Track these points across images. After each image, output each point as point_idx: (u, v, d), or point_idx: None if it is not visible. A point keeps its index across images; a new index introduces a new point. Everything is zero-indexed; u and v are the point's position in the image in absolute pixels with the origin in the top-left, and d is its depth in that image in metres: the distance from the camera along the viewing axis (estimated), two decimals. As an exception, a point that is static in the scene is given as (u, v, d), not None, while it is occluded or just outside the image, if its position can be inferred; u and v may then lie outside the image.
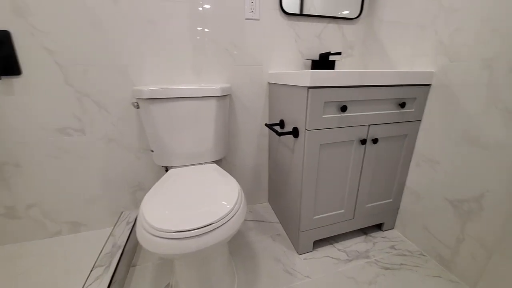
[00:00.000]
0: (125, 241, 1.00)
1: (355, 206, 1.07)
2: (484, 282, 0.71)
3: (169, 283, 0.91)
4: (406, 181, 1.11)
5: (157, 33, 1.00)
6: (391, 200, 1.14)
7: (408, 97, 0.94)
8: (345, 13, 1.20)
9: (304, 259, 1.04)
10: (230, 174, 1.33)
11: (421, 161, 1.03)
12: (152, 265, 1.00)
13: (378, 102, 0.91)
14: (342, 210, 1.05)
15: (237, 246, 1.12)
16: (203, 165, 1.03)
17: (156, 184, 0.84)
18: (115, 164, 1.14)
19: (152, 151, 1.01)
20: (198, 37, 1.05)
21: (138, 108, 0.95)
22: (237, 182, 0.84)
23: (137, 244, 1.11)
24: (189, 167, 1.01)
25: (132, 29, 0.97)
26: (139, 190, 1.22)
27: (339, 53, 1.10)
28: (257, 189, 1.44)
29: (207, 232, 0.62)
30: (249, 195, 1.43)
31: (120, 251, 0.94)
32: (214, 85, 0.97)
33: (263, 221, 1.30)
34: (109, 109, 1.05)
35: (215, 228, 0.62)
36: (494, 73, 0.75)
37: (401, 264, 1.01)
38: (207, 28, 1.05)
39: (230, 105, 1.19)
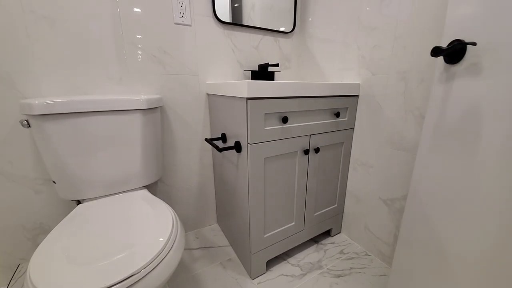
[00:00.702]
0: None
1: (305, 216, 1.05)
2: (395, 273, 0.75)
3: None
4: (347, 185, 1.17)
5: (58, 33, 0.80)
6: (336, 205, 1.17)
7: (341, 107, 0.99)
8: (281, 28, 1.23)
9: (258, 283, 0.95)
10: (169, 198, 1.17)
11: (357, 165, 1.10)
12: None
13: (316, 112, 0.92)
14: (293, 223, 1.02)
15: (180, 283, 0.95)
16: (128, 193, 0.84)
17: (56, 227, 0.62)
18: (3, 205, 0.84)
19: (54, 182, 0.78)
20: (116, 39, 0.88)
21: (29, 127, 0.72)
22: (171, 210, 0.70)
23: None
24: (109, 197, 0.81)
25: (18, 25, 0.75)
26: (42, 234, 0.93)
27: (277, 65, 1.10)
28: (203, 210, 1.29)
29: (129, 286, 0.47)
30: (195, 218, 1.28)
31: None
32: (138, 96, 0.81)
33: (211, 247, 1.17)
34: (-14, 130, 0.77)
35: (138, 280, 0.48)
36: (408, 84, 0.85)
37: (351, 268, 1.03)
38: (128, 30, 0.89)
39: (164, 119, 1.05)
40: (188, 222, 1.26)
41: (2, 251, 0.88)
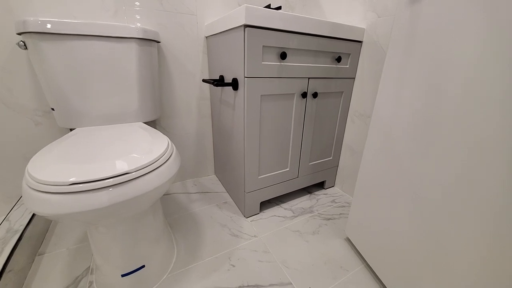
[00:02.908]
0: (24, 225, 0.78)
1: (299, 164, 1.07)
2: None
3: (89, 266, 0.75)
4: (344, 138, 1.18)
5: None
6: (331, 158, 1.19)
7: (343, 52, 0.96)
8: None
9: (251, 221, 1.00)
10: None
11: (355, 117, 1.10)
12: (67, 251, 0.81)
13: (316, 53, 0.90)
14: (287, 169, 1.05)
15: (178, 219, 1.00)
16: (126, 124, 0.86)
17: (54, 141, 0.65)
18: (4, 135, 0.86)
19: (53, 109, 0.79)
20: (112, -31, 0.84)
21: (26, 49, 0.71)
22: (167, 137, 0.72)
23: (45, 230, 0.89)
24: (107, 125, 0.83)
25: None
26: (46, 166, 0.97)
27: (279, 8, 1.05)
28: (202, 160, 1.33)
29: (122, 182, 0.49)
30: (194, 167, 1.32)
31: (17, 237, 0.73)
32: (134, 24, 0.79)
33: (209, 192, 1.22)
34: (-17, 54, 0.77)
35: (132, 179, 0.51)
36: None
37: (340, 214, 1.07)
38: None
39: (161, 59, 1.03)
40: (187, 170, 1.30)
41: (4, 180, 0.92)
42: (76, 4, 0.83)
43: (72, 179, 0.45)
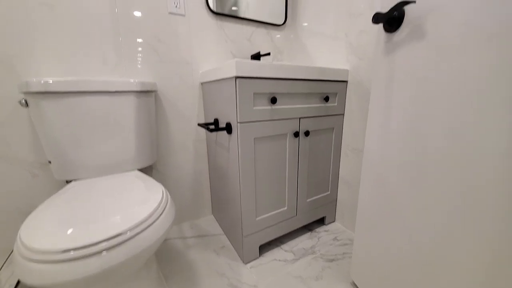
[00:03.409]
0: (13, 285, 0.73)
1: (297, 201, 1.06)
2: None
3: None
4: (339, 172, 1.18)
5: (56, 17, 0.83)
6: (328, 192, 1.18)
7: (330, 92, 1.02)
8: (273, 21, 1.27)
9: (250, 267, 0.95)
10: (164, 186, 1.18)
11: (348, 151, 1.12)
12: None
13: (305, 95, 0.95)
14: (285, 208, 1.03)
15: (173, 269, 0.95)
16: (121, 174, 0.86)
17: (49, 199, 0.64)
18: (0, 187, 0.85)
19: (50, 162, 0.80)
20: (113, 27, 0.92)
21: (27, 106, 0.74)
22: (161, 186, 0.71)
23: None
24: (102, 177, 0.83)
25: (18, 13, 0.79)
26: (37, 218, 0.94)
27: (268, 54, 1.14)
28: (198, 201, 1.30)
29: (114, 246, 0.48)
30: (190, 209, 1.29)
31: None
32: (132, 79, 0.85)
33: (206, 235, 1.17)
34: (-15, 112, 0.79)
35: (125, 240, 0.49)
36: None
37: (344, 253, 1.03)
38: (124, 18, 0.94)
39: (158, 106, 1.07)
40: (183, 212, 1.27)
41: (-3, 235, 0.89)
42: (78, 61, 0.89)
43: (64, 246, 0.44)
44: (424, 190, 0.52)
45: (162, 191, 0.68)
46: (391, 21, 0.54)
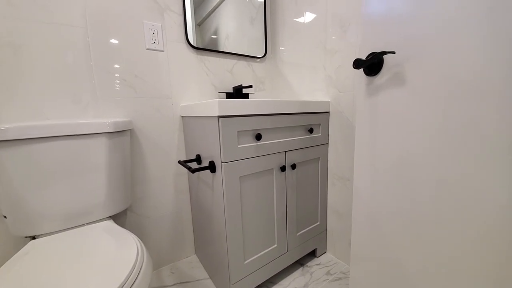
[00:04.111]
0: None
1: (287, 237, 1.01)
2: None
3: None
4: (328, 201, 1.16)
5: (23, 59, 0.77)
6: (318, 223, 1.15)
7: (314, 123, 1.03)
8: (253, 54, 1.29)
9: (240, 318, 0.86)
10: (140, 229, 1.07)
11: (335, 180, 1.11)
12: None
13: (289, 129, 0.94)
14: (275, 245, 0.97)
15: (152, 328, 0.83)
16: (90, 226, 0.76)
17: (3, 266, 0.53)
18: None
19: (5, 216, 0.68)
20: (85, 64, 0.87)
21: (-23, 156, 0.64)
22: (137, 241, 0.63)
23: None
24: (67, 231, 0.72)
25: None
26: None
27: (250, 86, 1.13)
28: (180, 241, 1.20)
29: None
30: (170, 250, 1.17)
31: None
32: (104, 119, 0.78)
33: (188, 282, 1.06)
34: None
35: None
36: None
37: (338, 290, 0.97)
38: (98, 55, 0.89)
39: (134, 143, 1.00)
40: (163, 255, 1.15)
41: None
42: (46, 100, 0.81)
43: None
44: (412, 237, 0.50)
45: (137, 247, 0.60)
46: (371, 66, 0.55)
